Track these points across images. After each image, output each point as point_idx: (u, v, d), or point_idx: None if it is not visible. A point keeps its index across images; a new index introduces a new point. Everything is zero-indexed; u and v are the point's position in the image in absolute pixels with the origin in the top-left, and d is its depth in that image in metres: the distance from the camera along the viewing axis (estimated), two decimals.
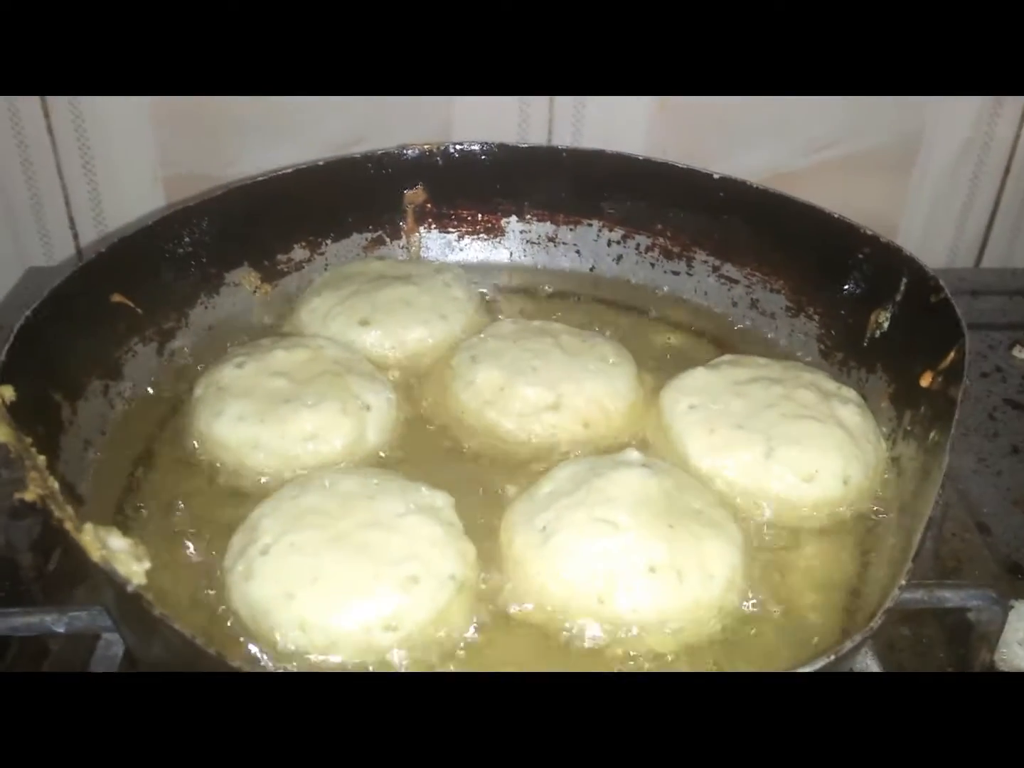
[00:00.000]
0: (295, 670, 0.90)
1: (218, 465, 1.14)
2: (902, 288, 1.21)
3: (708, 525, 1.02)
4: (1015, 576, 1.26)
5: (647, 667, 0.95)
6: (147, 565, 0.87)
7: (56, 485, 0.92)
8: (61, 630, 1.02)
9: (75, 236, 1.74)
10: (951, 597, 1.05)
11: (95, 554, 0.79)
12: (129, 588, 0.78)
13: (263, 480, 1.12)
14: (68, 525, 0.82)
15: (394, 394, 1.22)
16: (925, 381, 1.12)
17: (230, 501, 1.11)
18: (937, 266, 1.20)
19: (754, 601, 1.01)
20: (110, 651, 1.08)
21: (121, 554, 0.86)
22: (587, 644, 0.97)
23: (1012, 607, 1.06)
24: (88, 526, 0.83)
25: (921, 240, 1.87)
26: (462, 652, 0.95)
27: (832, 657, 0.76)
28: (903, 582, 0.81)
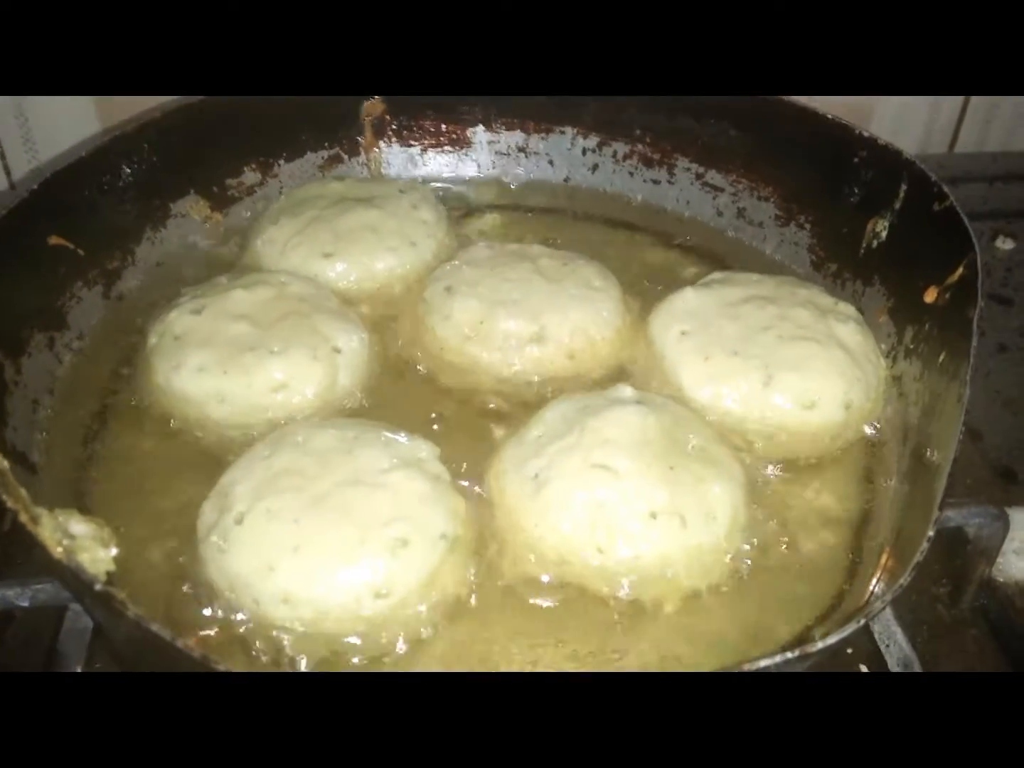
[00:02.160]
0: (280, 671, 0.85)
1: (181, 421, 1.06)
2: (901, 194, 1.14)
3: (709, 464, 0.97)
4: (1009, 482, 1.23)
5: (647, 616, 0.91)
6: (114, 551, 0.80)
7: (6, 464, 0.83)
8: (25, 604, 0.96)
9: (6, 171, 1.59)
10: (952, 516, 1.01)
11: (55, 550, 0.72)
12: (97, 587, 0.71)
13: (231, 435, 1.05)
14: (24, 518, 0.74)
15: (366, 333, 1.14)
16: (929, 296, 1.06)
17: (197, 459, 1.04)
18: (910, 152, 1.12)
19: (758, 542, 0.97)
20: (79, 623, 1.00)
21: (85, 540, 0.79)
22: (588, 596, 0.92)
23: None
24: (46, 517, 0.76)
25: (895, 124, 1.78)
26: (457, 614, 0.91)
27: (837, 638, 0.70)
28: (926, 543, 0.76)
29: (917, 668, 0.92)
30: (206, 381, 1.05)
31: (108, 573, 0.80)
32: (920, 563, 0.75)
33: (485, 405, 1.10)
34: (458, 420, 1.08)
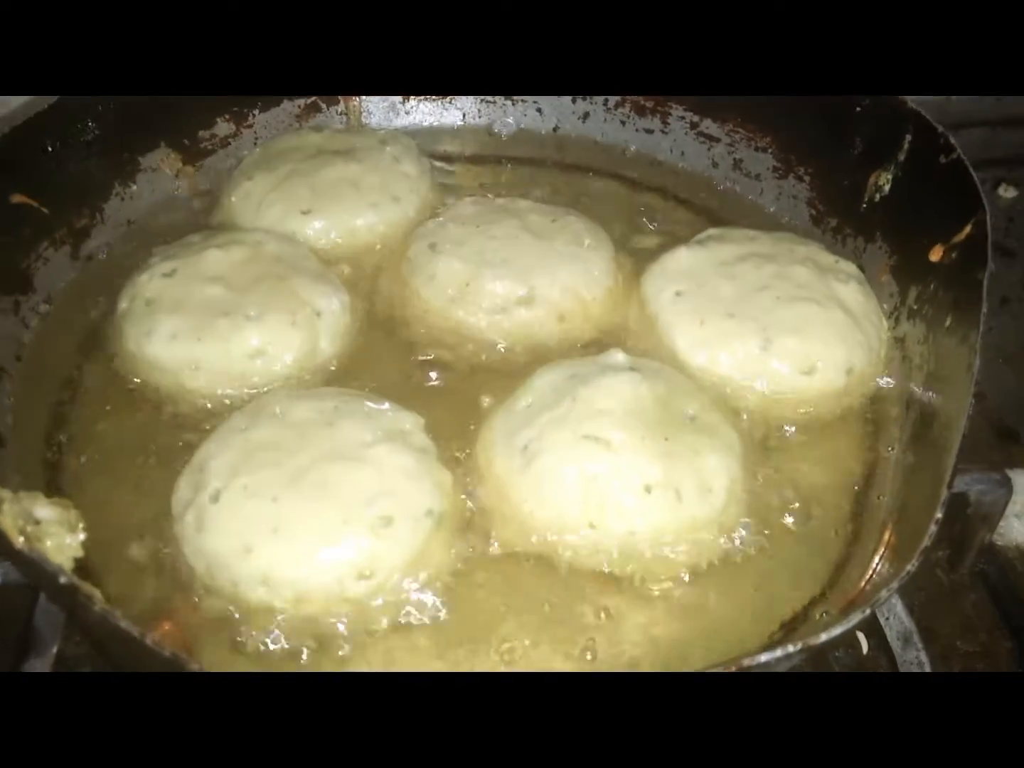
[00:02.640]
0: (257, 671, 0.81)
1: (153, 389, 1.02)
2: (905, 146, 1.08)
3: (705, 434, 0.93)
4: (1010, 442, 1.20)
5: (642, 591, 0.88)
6: (82, 536, 0.76)
7: None
8: None
9: None
10: (955, 483, 0.99)
11: (17, 541, 0.68)
12: (62, 580, 0.67)
13: (206, 404, 1.00)
14: None
15: (347, 295, 1.09)
16: (935, 255, 1.01)
17: (171, 429, 1.00)
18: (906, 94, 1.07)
19: (755, 514, 0.93)
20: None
21: (51, 525, 0.75)
22: (581, 573, 0.89)
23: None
24: (8, 502, 0.72)
25: None
26: (444, 594, 0.87)
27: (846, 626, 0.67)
28: (934, 526, 0.72)
29: (916, 640, 0.90)
30: (179, 348, 1.00)
31: (76, 559, 0.76)
32: (928, 547, 0.71)
33: (472, 371, 1.05)
34: (443, 388, 1.04)
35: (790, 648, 0.64)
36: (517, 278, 1.08)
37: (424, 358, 1.07)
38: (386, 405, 0.95)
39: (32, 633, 0.92)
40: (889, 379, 1.05)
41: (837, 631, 0.66)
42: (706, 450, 0.91)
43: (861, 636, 0.95)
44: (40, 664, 0.89)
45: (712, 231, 1.14)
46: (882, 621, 0.91)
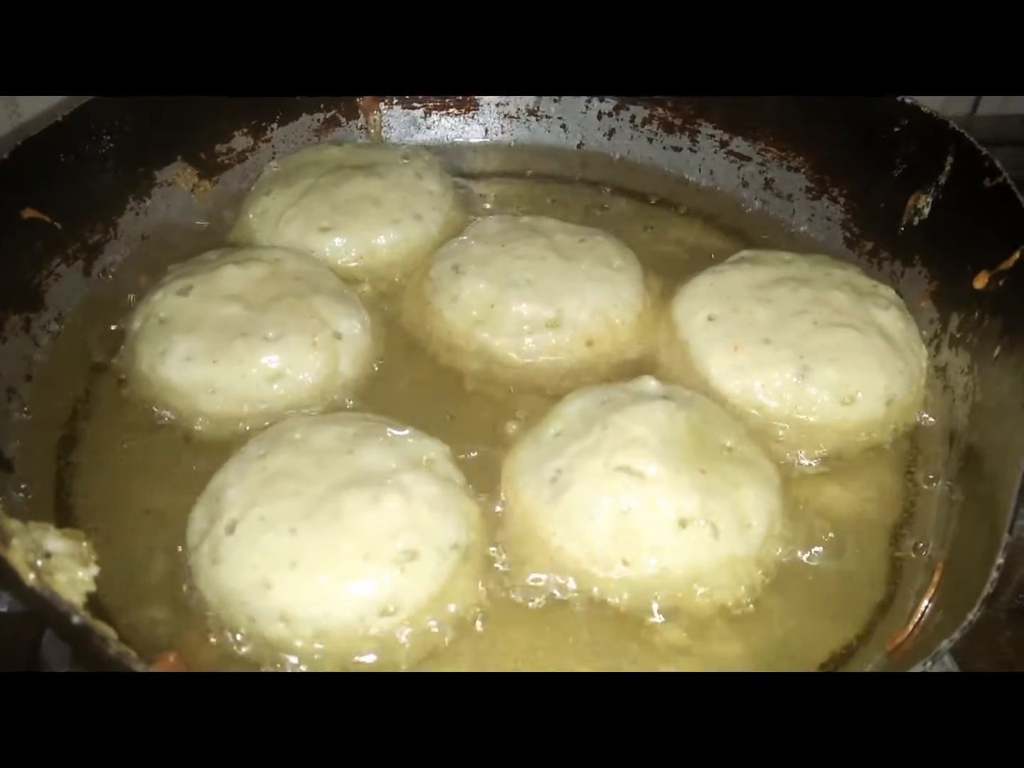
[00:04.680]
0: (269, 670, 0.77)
1: (168, 412, 0.98)
2: (947, 168, 1.05)
3: (742, 466, 0.89)
4: None
5: (676, 633, 0.84)
6: (94, 571, 0.73)
7: None
8: (3, 609, 0.90)
9: None
10: None
11: (28, 578, 0.64)
12: (75, 620, 0.63)
13: (222, 429, 0.97)
14: None
15: (368, 315, 1.05)
16: (980, 282, 0.97)
17: (185, 453, 0.96)
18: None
19: (793, 550, 0.89)
20: None
21: (62, 559, 0.72)
22: (611, 610, 0.85)
23: None
24: (18, 536, 0.68)
25: None
26: (470, 627, 0.83)
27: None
28: (995, 572, 0.68)
29: None
30: (194, 370, 0.96)
31: (87, 594, 0.72)
32: (990, 595, 0.67)
33: (498, 396, 1.02)
34: (469, 413, 1.00)
35: None
36: (544, 300, 1.04)
37: (448, 382, 1.03)
38: (408, 431, 0.91)
39: (39, 663, 0.89)
40: (929, 410, 1.01)
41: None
42: (744, 483, 0.88)
43: None
44: None
45: (745, 253, 1.11)
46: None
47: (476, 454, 0.94)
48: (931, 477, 0.96)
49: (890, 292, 1.06)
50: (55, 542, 0.72)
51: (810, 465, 0.97)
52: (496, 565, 0.87)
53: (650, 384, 0.95)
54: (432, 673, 0.80)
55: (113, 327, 1.06)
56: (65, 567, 0.71)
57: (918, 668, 0.64)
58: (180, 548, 0.86)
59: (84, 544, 0.75)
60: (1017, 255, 0.92)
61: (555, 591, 0.86)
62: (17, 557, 0.66)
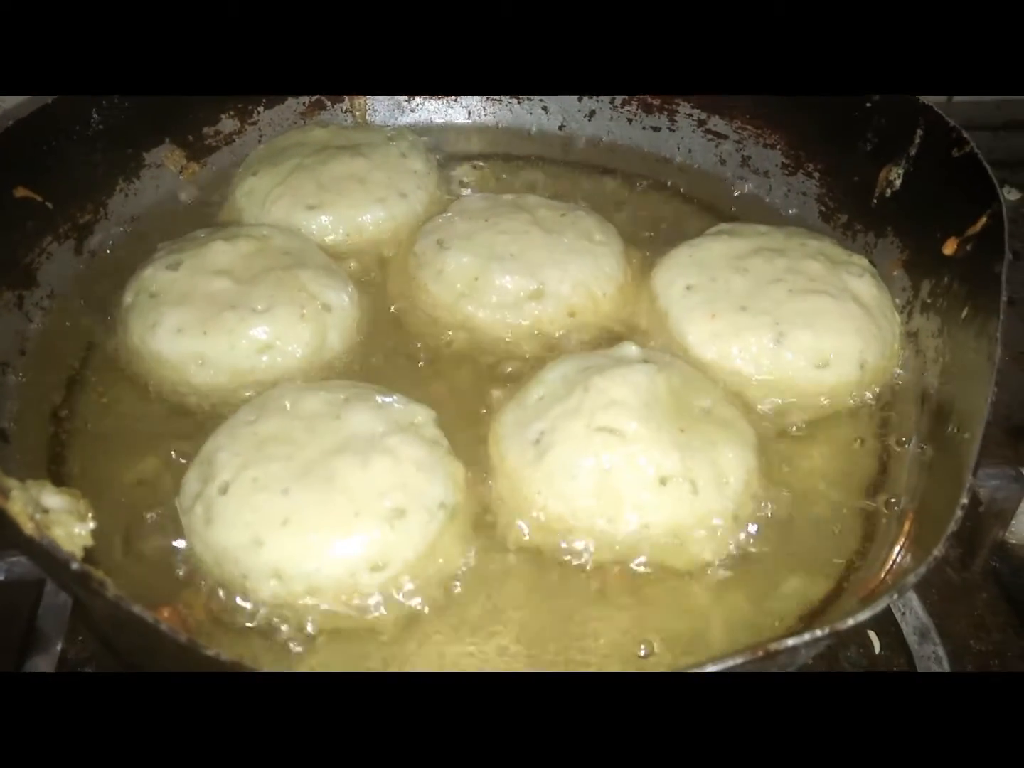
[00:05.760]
0: (273, 671, 0.79)
1: (159, 384, 1.00)
2: (917, 140, 1.08)
3: (720, 426, 0.92)
4: (1021, 440, 1.19)
5: (658, 586, 0.87)
6: (91, 524, 0.75)
7: None
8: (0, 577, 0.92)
9: None
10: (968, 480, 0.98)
11: (27, 526, 0.66)
12: (74, 566, 0.65)
13: (213, 399, 0.99)
14: None
15: (355, 290, 1.08)
16: (948, 248, 1.00)
17: (178, 424, 0.98)
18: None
19: (770, 506, 0.92)
20: (59, 597, 0.96)
21: (60, 514, 0.74)
22: (593, 566, 0.87)
23: None
24: (16, 490, 0.70)
25: None
26: (458, 584, 0.86)
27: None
28: (960, 511, 0.71)
29: (933, 635, 0.89)
30: (185, 343, 0.98)
31: (85, 548, 0.74)
32: (955, 532, 0.70)
33: (482, 365, 1.04)
34: (454, 382, 1.02)
35: (817, 633, 0.63)
36: (527, 273, 1.07)
37: (434, 353, 1.05)
38: (395, 397, 0.93)
39: (35, 631, 0.90)
40: (902, 372, 1.04)
41: (865, 615, 0.65)
42: (722, 442, 0.90)
43: (873, 635, 0.94)
44: (44, 663, 0.87)
45: (723, 226, 1.14)
46: (898, 616, 0.90)
47: (461, 420, 0.97)
48: (903, 439, 0.99)
49: (864, 261, 1.09)
50: (52, 498, 0.74)
51: (786, 427, 1.00)
52: (482, 525, 0.90)
53: (631, 349, 0.98)
54: (418, 673, 0.80)
55: (104, 303, 1.08)
56: (62, 522, 0.73)
57: (884, 602, 0.66)
58: (173, 514, 0.89)
59: (80, 501, 0.76)
60: (984, 219, 0.95)
61: (539, 549, 0.88)
62: (16, 508, 0.68)
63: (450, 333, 1.07)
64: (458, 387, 1.02)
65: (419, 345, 1.06)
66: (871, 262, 1.10)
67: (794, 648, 0.62)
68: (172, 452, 0.94)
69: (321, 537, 0.82)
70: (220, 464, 0.87)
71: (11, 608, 0.95)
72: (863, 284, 1.05)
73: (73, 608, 0.91)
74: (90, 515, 0.76)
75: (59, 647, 0.89)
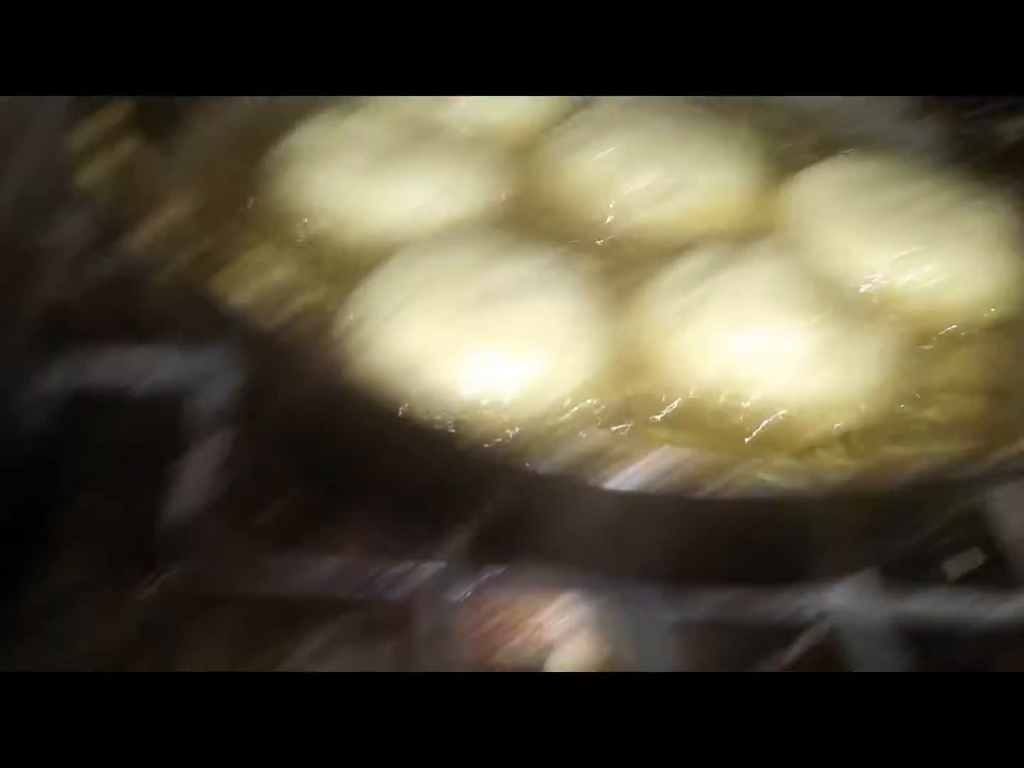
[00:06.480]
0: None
1: (317, 223, 1.03)
2: None
3: (857, 321, 0.95)
4: None
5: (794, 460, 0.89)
6: None
7: None
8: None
9: None
10: None
11: None
12: None
13: (365, 254, 1.01)
14: None
15: (493, 175, 1.10)
16: None
17: (330, 270, 0.99)
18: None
19: (904, 407, 0.94)
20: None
21: None
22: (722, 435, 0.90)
23: None
24: None
25: None
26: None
27: None
28: None
29: None
30: (345, 192, 1.02)
31: None
32: None
33: (615, 261, 1.04)
34: (589, 275, 1.01)
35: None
36: (664, 169, 1.09)
37: (565, 251, 1.02)
38: (549, 255, 0.97)
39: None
40: None
41: None
42: (861, 332, 0.93)
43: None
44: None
45: (857, 151, 1.16)
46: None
47: (601, 294, 0.98)
48: None
49: (997, 195, 1.10)
50: None
51: (923, 341, 1.00)
52: (616, 395, 0.91)
53: (768, 247, 1.00)
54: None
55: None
56: None
57: None
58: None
59: None
60: None
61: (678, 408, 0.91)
62: None
63: (585, 231, 1.07)
64: (593, 280, 1.00)
65: (551, 244, 1.02)
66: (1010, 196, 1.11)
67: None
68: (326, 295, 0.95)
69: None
70: (378, 300, 0.90)
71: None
72: (997, 215, 1.07)
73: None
74: None
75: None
